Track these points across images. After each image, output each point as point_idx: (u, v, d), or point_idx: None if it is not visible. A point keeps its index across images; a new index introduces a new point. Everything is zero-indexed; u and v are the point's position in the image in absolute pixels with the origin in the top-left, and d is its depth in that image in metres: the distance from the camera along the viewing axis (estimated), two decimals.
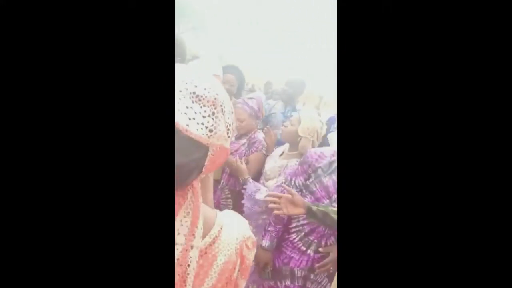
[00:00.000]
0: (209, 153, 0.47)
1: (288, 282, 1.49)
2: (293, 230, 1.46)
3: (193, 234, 0.50)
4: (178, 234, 0.47)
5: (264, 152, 1.90)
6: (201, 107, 0.44)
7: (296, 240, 1.46)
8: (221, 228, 0.56)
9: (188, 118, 0.44)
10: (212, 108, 0.45)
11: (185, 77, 0.46)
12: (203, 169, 0.49)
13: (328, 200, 1.33)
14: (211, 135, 0.45)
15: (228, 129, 0.48)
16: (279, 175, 1.64)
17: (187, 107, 0.43)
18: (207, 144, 0.45)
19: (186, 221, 0.49)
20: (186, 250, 0.48)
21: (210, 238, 0.54)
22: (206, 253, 0.54)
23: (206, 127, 0.45)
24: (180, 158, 0.45)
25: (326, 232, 1.42)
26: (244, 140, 1.92)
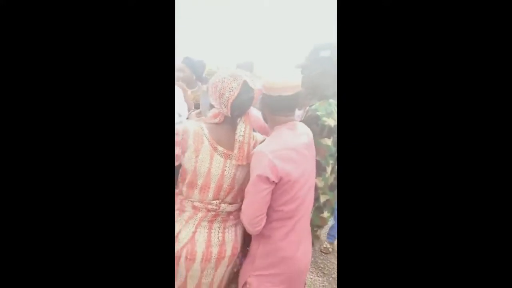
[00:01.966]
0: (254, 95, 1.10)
1: None
2: None
3: (251, 137, 1.13)
4: (243, 134, 1.10)
5: None
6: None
7: None
8: (260, 140, 1.20)
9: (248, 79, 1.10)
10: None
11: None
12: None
13: None
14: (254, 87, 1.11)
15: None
16: None
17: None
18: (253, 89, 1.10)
19: (247, 128, 1.10)
20: (248, 144, 1.11)
21: (255, 140, 1.20)
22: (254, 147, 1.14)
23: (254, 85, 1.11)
24: (244, 95, 1.08)
25: None
26: None
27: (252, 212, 1.03)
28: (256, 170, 1.00)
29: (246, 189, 1.05)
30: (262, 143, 1.09)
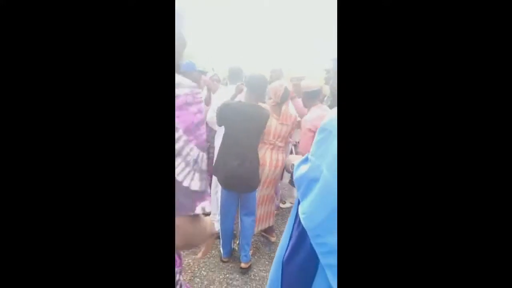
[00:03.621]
0: None
1: None
2: None
3: (288, 111, 2.83)
4: (284, 109, 2.80)
5: None
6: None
7: None
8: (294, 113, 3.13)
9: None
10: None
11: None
12: None
13: None
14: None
15: None
16: None
17: None
18: None
19: (286, 107, 2.81)
20: (286, 114, 2.81)
21: None
22: None
23: None
24: None
25: None
26: None
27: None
28: (306, 125, 2.40)
29: (301, 137, 2.46)
30: (305, 116, 2.48)
